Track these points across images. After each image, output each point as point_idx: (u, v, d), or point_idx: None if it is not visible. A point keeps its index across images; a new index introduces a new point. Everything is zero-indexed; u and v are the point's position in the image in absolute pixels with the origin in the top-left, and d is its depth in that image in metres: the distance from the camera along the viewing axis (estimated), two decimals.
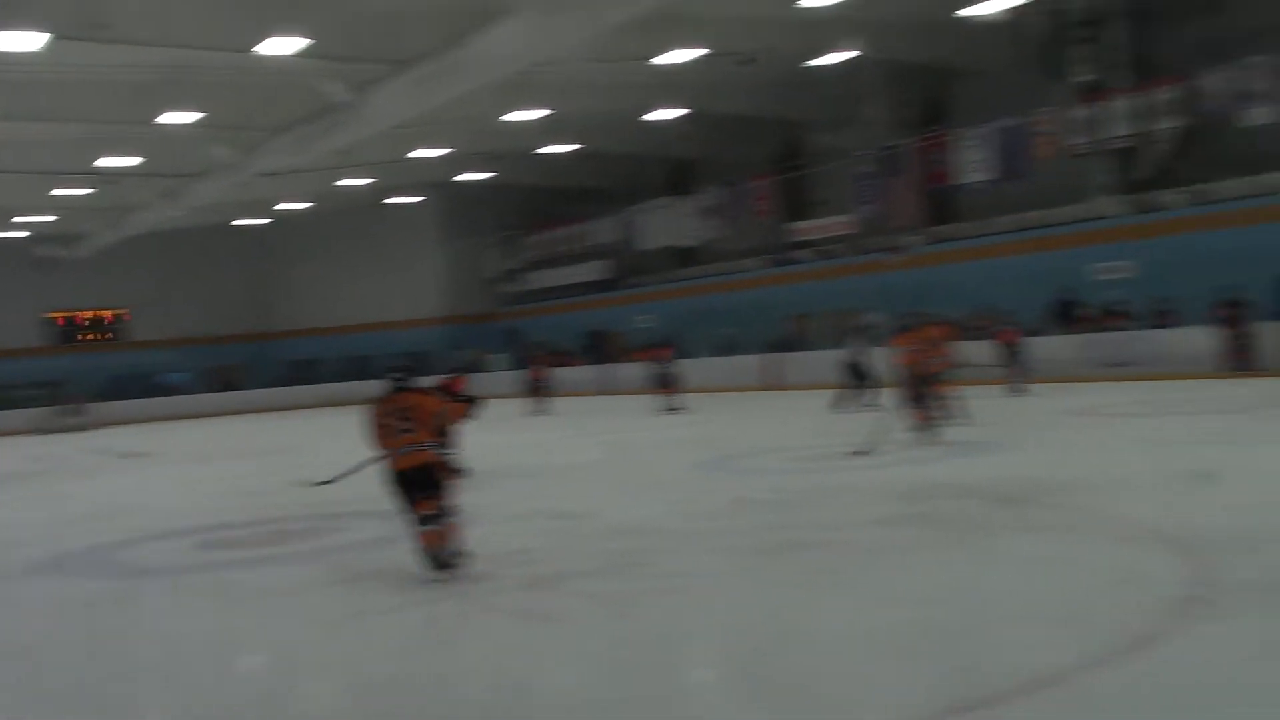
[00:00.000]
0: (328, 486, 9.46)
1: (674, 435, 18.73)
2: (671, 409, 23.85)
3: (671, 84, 29.10)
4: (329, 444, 18.10)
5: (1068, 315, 25.11)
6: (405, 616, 7.23)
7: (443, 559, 7.93)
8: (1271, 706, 4.57)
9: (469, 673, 6.01)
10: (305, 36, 21.29)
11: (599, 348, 39.37)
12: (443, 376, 14.29)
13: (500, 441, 17.09)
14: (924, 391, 14.67)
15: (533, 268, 44.87)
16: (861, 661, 5.66)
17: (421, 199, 43.65)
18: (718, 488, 12.03)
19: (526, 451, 14.75)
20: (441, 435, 8.44)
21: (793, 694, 5.22)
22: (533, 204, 44.33)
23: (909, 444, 14.03)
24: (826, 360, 26.99)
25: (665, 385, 24.59)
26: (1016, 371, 21.99)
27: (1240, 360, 21.38)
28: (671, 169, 40.55)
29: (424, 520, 7.92)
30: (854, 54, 27.44)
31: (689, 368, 26.89)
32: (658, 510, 10.62)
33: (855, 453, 13.43)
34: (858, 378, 21.09)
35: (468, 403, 12.95)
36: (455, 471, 8.63)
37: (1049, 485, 10.17)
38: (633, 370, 35.29)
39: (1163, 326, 23.71)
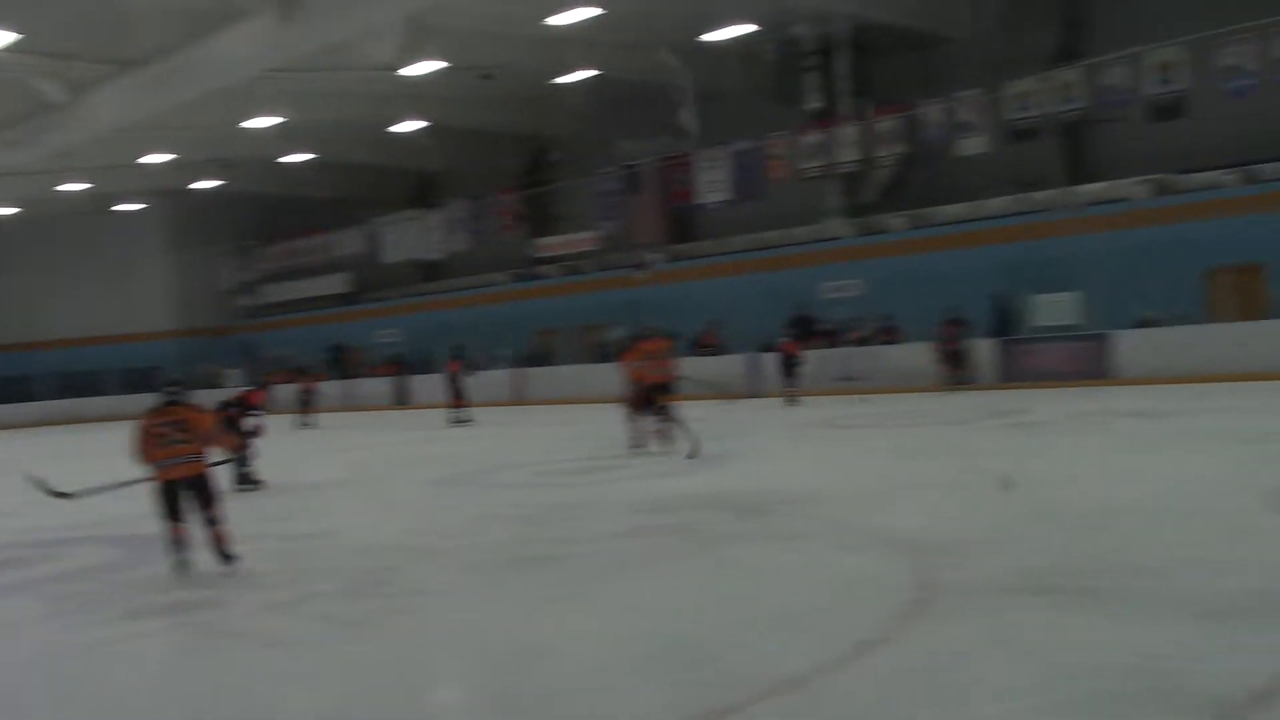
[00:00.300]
0: (62, 501, 8.99)
1: (418, 452, 18.45)
2: (460, 421, 23.96)
3: (415, 96, 28.76)
4: (45, 467, 16.89)
5: (805, 331, 26.11)
6: (132, 648, 6.81)
7: (226, 554, 8.47)
8: (991, 699, 4.82)
9: (201, 703, 5.70)
10: (14, 31, 19.91)
11: (341, 362, 38.44)
12: (240, 390, 14.46)
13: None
14: (650, 404, 15.11)
15: (271, 280, 43.43)
16: (607, 674, 5.67)
17: (148, 206, 41.51)
18: (462, 504, 11.90)
19: (264, 470, 14.16)
20: (213, 447, 8.84)
21: (538, 709, 5.18)
22: (271, 214, 42.86)
23: (652, 457, 14.27)
24: (572, 375, 27.21)
25: (456, 398, 24.68)
26: (790, 383, 22.89)
27: (958, 375, 22.75)
28: (416, 181, 40.05)
29: (208, 522, 8.43)
30: (595, 73, 27.81)
31: (429, 383, 26.60)
32: (400, 528, 10.41)
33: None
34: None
35: (253, 417, 13.45)
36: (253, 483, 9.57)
37: (787, 496, 10.51)
38: (375, 386, 34.69)
39: (890, 343, 24.96)
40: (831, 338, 26.16)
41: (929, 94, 27.42)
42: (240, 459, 13.58)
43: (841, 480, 11.59)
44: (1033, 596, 6.31)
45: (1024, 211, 26.01)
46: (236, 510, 9.54)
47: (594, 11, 23.72)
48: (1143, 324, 21.94)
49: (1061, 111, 25.00)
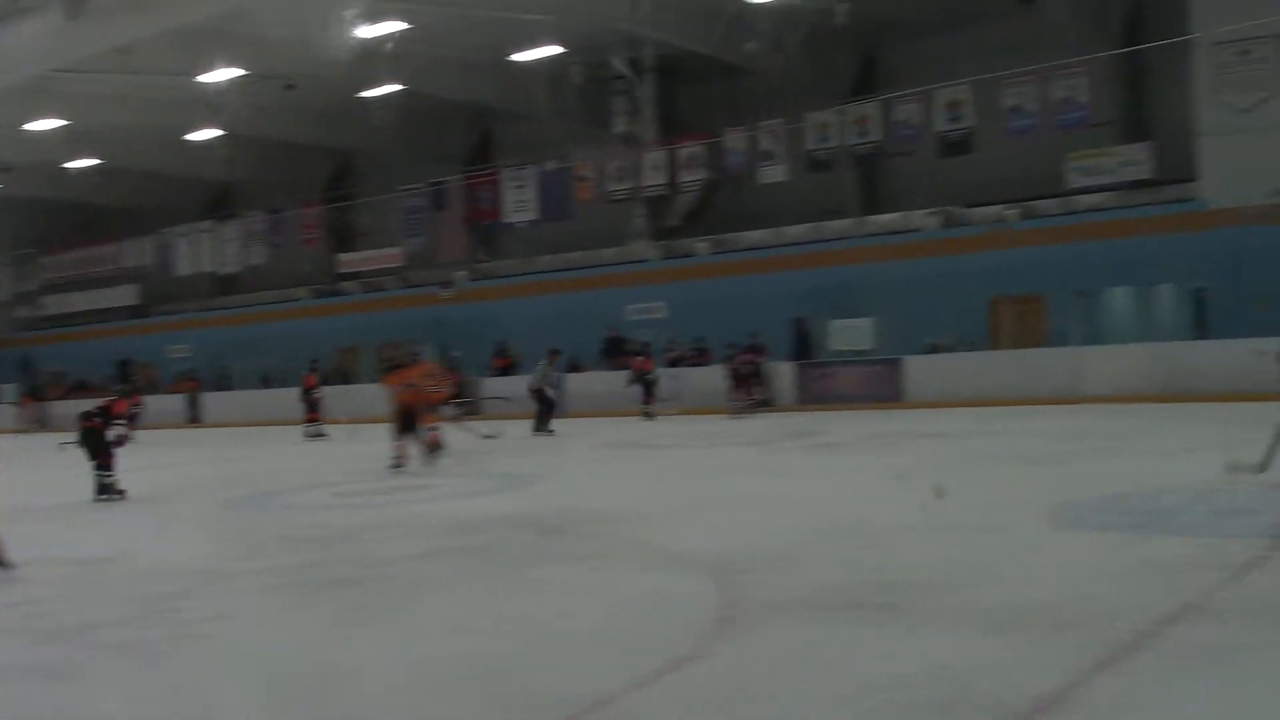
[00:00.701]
0: None
1: (212, 472, 17.75)
2: (315, 435, 23.74)
3: (212, 103, 27.77)
4: None
5: (616, 352, 26.28)
6: None
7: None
8: (798, 712, 4.89)
9: None
10: None
11: (129, 378, 36.71)
12: (103, 399, 14.16)
13: (15, 480, 15.45)
14: (414, 425, 15.50)
15: (53, 290, 41.17)
16: (410, 697, 5.52)
17: None
18: (257, 526, 11.47)
19: (46, 491, 13.40)
20: None
21: None
22: (54, 222, 40.67)
23: (453, 476, 14.10)
24: (374, 394, 26.63)
25: (310, 411, 24.44)
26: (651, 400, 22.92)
27: (752, 397, 23.20)
28: (212, 191, 38.69)
29: None
30: (401, 87, 27.47)
31: (225, 401, 25.68)
32: (193, 551, 9.94)
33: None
34: (544, 404, 21.29)
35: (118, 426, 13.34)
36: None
37: (591, 516, 10.50)
38: (167, 403, 33.26)
39: (696, 365, 25.32)
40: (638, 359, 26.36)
41: (733, 122, 28.06)
42: (103, 470, 13.45)
43: (646, 500, 11.64)
44: (835, 612, 6.44)
45: (822, 239, 26.85)
46: (15, 532, 8.97)
47: (401, 25, 23.44)
48: (932, 350, 22.87)
49: (857, 144, 25.92)
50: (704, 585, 7.42)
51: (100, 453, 13.48)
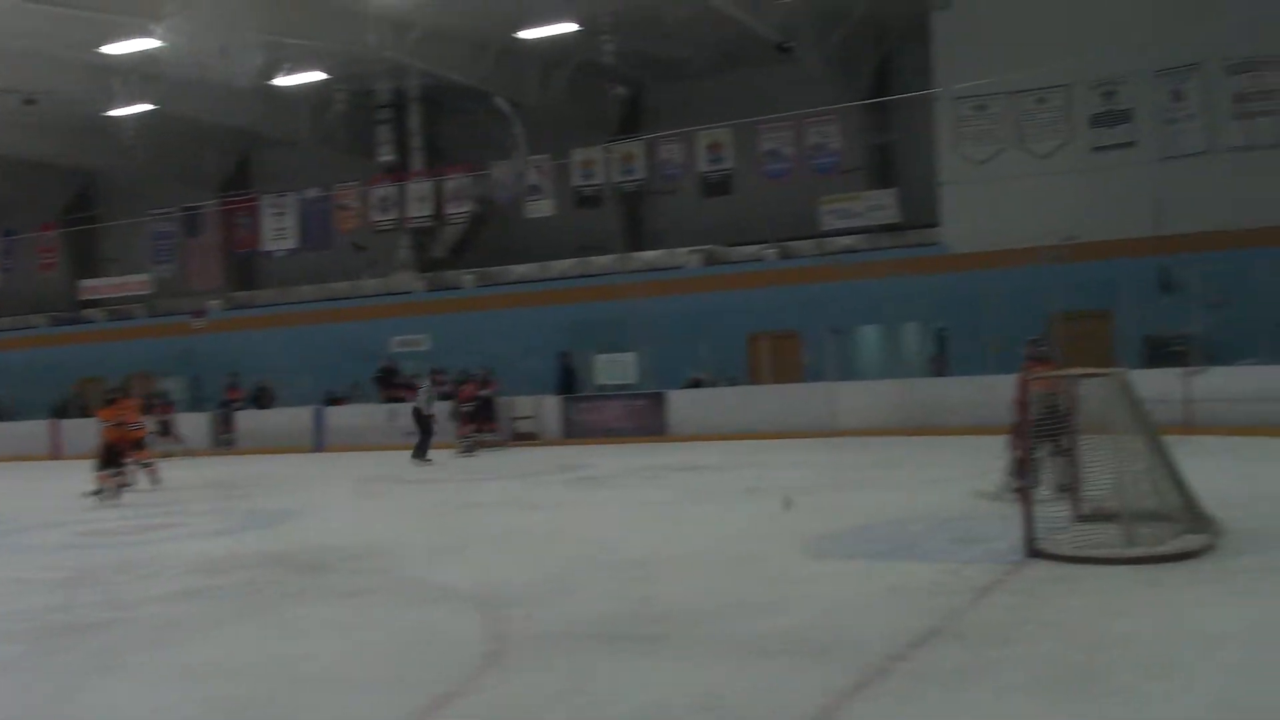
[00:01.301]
0: None
1: None
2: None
3: None
4: None
5: (389, 384, 25.72)
6: None
7: None
8: None
9: None
10: None
11: None
12: None
13: None
14: (115, 460, 15.88)
15: None
16: None
17: None
18: None
19: None
20: None
21: None
22: None
23: (205, 515, 13.53)
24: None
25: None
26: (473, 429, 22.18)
27: (481, 432, 22.73)
28: None
29: None
30: (153, 107, 26.35)
31: None
32: None
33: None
34: (424, 429, 20.40)
35: None
36: None
37: (349, 552, 10.23)
38: None
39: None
40: (413, 390, 25.83)
41: (500, 155, 28.07)
42: None
43: (408, 535, 11.45)
44: (602, 644, 6.48)
45: (587, 274, 27.13)
46: None
47: (152, 44, 22.49)
48: (694, 384, 23.37)
49: (622, 181, 26.35)
50: (469, 620, 7.34)
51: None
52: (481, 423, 22.34)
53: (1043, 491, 9.28)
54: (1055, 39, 21.21)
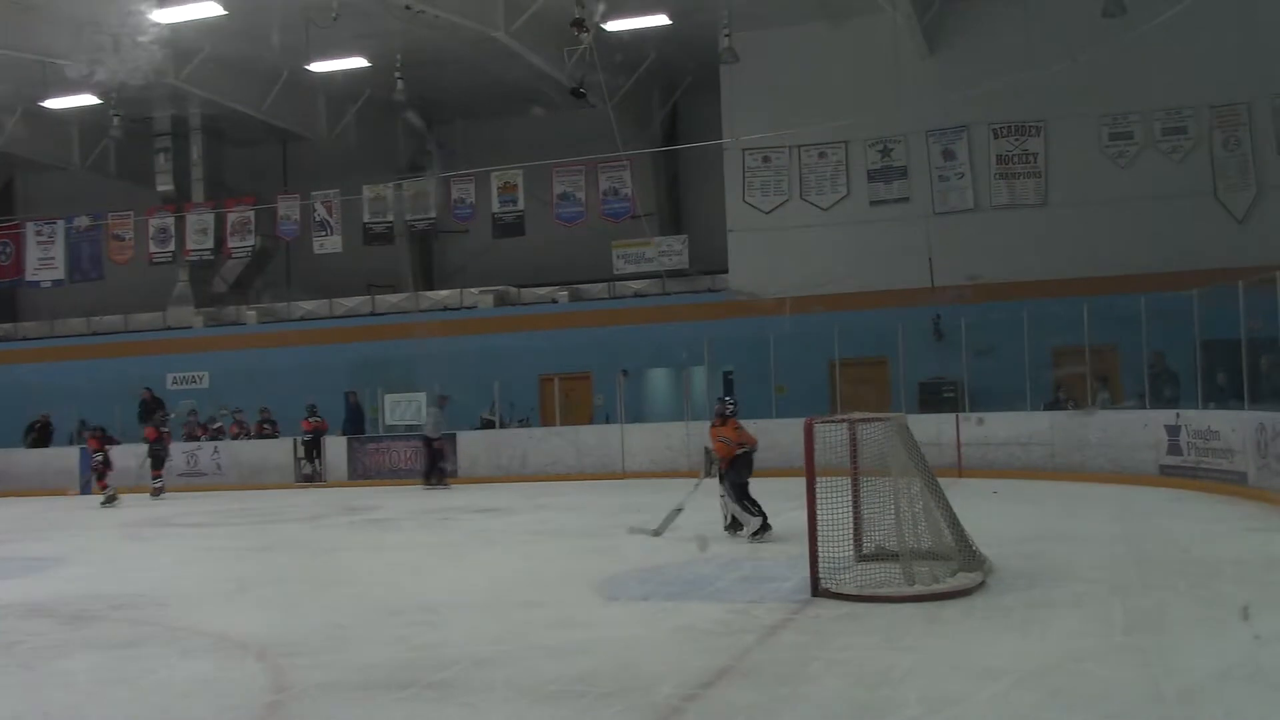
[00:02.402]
0: None
1: None
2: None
3: None
4: None
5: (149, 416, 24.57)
6: None
7: None
8: None
9: None
10: None
11: None
12: None
13: None
14: None
15: None
16: None
17: None
18: None
19: None
20: None
21: None
22: None
23: None
24: None
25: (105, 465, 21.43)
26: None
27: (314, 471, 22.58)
28: None
29: None
30: None
31: None
32: None
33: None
34: (433, 453, 20.93)
35: None
36: None
37: (118, 600, 9.68)
38: None
39: (258, 437, 24.15)
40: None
41: (287, 188, 27.41)
42: None
43: (182, 581, 10.93)
44: (389, 691, 6.29)
45: (377, 313, 26.68)
46: None
47: None
48: (485, 425, 23.17)
49: (414, 219, 26.04)
50: (250, 669, 7.03)
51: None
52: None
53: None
54: (837, 96, 22.13)
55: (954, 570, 8.54)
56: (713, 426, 12.40)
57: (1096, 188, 21.17)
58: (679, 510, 12.52)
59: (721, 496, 12.09)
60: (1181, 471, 15.53)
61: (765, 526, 11.68)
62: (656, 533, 12.33)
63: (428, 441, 21.17)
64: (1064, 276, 20.57)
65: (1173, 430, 15.77)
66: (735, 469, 11.95)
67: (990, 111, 21.60)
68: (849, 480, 9.00)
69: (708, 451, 12.26)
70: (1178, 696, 5.67)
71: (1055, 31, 20.75)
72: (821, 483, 8.64)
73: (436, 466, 21.03)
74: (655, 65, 24.38)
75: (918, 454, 9.10)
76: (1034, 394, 19.10)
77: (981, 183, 22.18)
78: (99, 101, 24.56)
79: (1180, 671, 6.12)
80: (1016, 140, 22.04)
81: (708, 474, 12.30)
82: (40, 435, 25.39)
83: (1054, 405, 19.08)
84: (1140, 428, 16.58)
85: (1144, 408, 17.27)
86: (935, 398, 20.56)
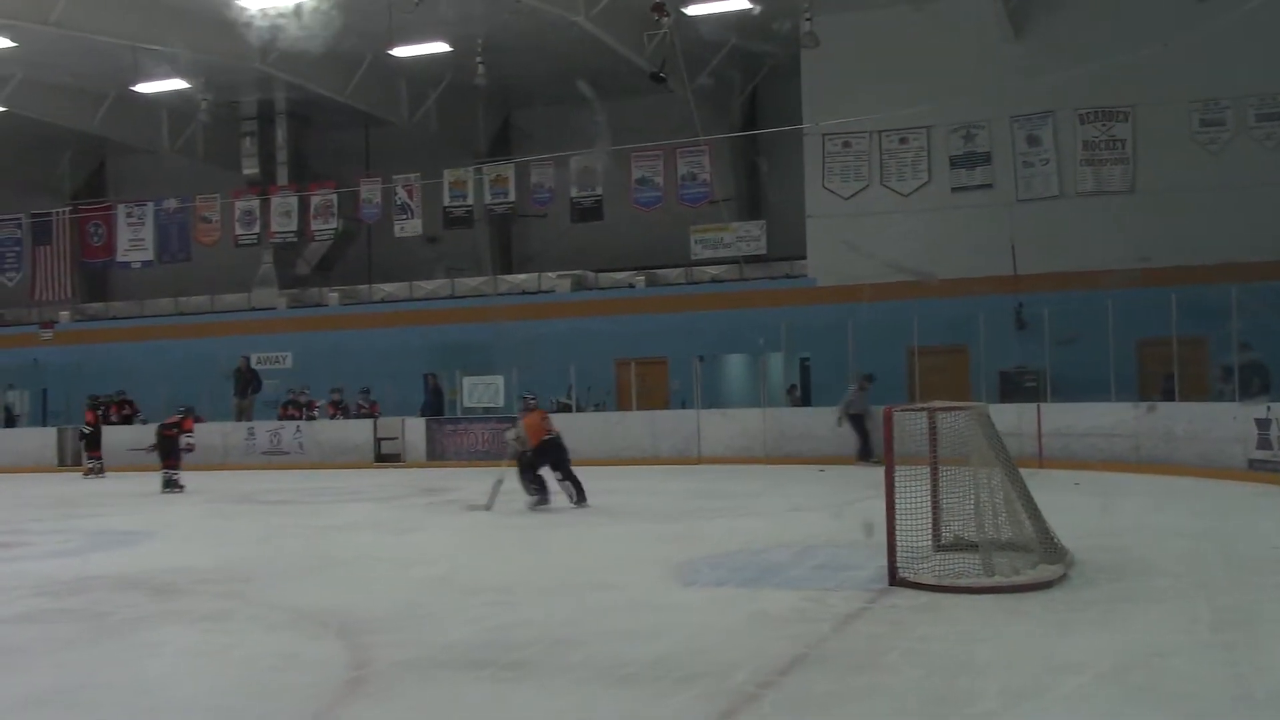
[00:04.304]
0: None
1: None
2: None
3: None
4: None
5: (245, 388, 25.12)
6: None
7: None
8: None
9: None
10: None
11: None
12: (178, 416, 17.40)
13: None
14: None
15: None
16: None
17: None
18: None
19: None
20: None
21: None
22: None
23: (49, 535, 12.98)
24: None
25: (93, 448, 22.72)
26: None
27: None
28: None
29: None
30: (2, 109, 25.35)
31: None
32: None
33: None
34: (861, 431, 19.75)
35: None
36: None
37: (202, 574, 9.91)
38: None
39: (334, 417, 24.54)
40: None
41: (367, 172, 27.74)
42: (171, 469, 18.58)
43: (262, 557, 11.14)
44: (466, 670, 6.37)
45: (456, 296, 26.90)
46: None
47: (4, 43, 21.66)
48: (561, 409, 23.26)
49: (493, 203, 26.21)
50: (331, 645, 7.16)
51: (172, 456, 18.76)
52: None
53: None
54: (919, 82, 21.84)
55: (1034, 562, 8.43)
56: (523, 415, 14.91)
57: (1186, 175, 20.67)
58: (500, 483, 14.41)
59: (531, 472, 14.41)
60: (1271, 466, 15.15)
61: (542, 501, 14.24)
62: (487, 507, 14.24)
63: (853, 419, 19.99)
64: (1151, 266, 20.14)
65: (1263, 424, 15.37)
66: (539, 452, 14.38)
67: (1077, 97, 21.19)
68: (928, 469, 8.91)
69: (512, 437, 14.93)
70: (1268, 698, 5.56)
71: (1144, 15, 20.32)
72: (900, 471, 8.56)
73: (867, 445, 19.76)
74: (735, 49, 24.25)
75: (999, 444, 8.98)
76: (1118, 385, 18.75)
77: (1067, 169, 21.80)
78: (188, 86, 25.04)
79: (1270, 671, 6.00)
80: (1104, 126, 21.61)
81: (512, 456, 14.86)
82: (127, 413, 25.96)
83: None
84: (1229, 421, 16.18)
85: (1233, 400, 16.88)
86: (1016, 387, 20.26)
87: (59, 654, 7.18)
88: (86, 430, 23.06)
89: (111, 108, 26.73)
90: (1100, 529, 10.87)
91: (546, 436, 14.49)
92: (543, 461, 14.46)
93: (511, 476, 14.55)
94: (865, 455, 19.48)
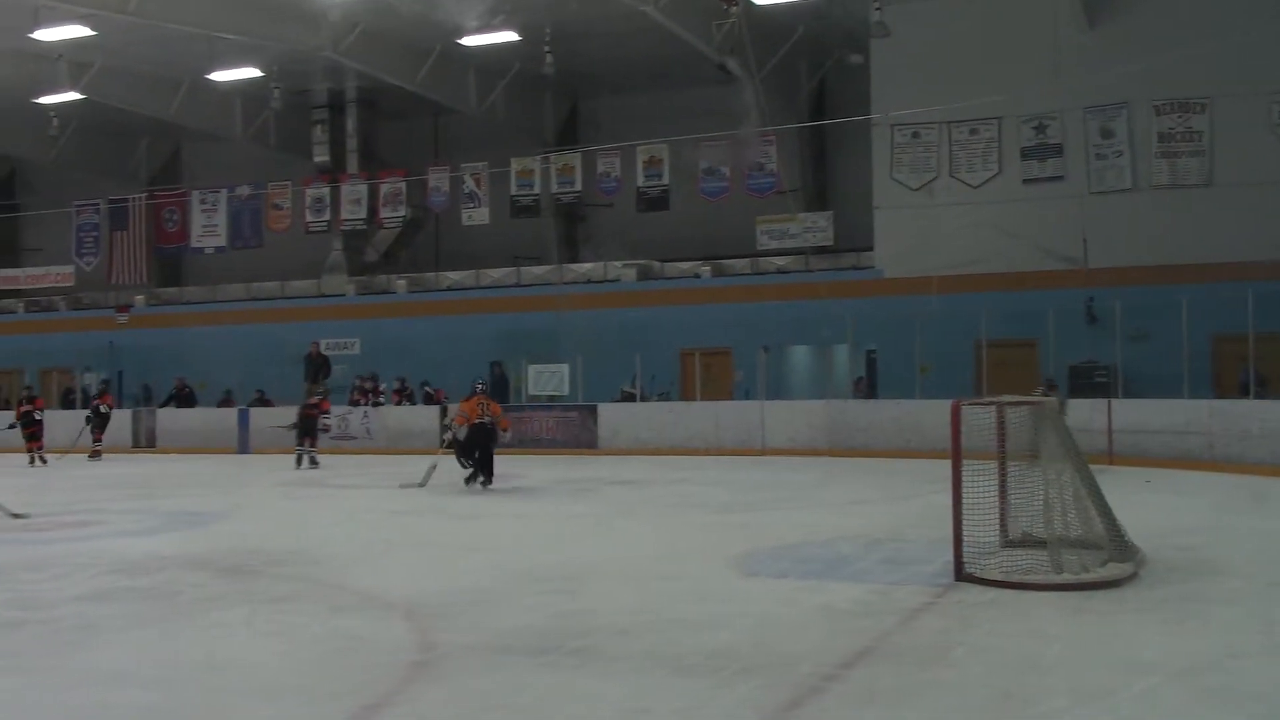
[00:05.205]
0: None
1: None
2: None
3: None
4: None
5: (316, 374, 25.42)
6: None
7: None
8: None
9: None
10: None
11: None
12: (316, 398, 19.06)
13: None
14: None
15: None
16: None
17: None
18: None
19: None
20: None
21: None
22: None
23: (123, 514, 13.25)
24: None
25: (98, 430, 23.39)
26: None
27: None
28: None
29: None
30: (81, 97, 25.83)
31: None
32: None
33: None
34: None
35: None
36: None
37: (273, 556, 10.05)
38: None
39: (399, 403, 24.82)
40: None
41: (437, 161, 27.94)
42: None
43: (333, 541, 11.28)
44: (531, 656, 6.40)
45: (522, 284, 27.03)
46: None
47: (84, 31, 22.05)
48: (625, 398, 23.34)
49: (560, 192, 26.29)
50: (397, 628, 7.24)
51: (310, 434, 20.23)
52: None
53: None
54: (990, 72, 21.56)
55: (1104, 560, 8.31)
56: (464, 401, 16.25)
57: (1265, 168, 20.21)
58: (434, 467, 16.04)
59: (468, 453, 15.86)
60: None
61: (475, 477, 15.74)
62: (421, 485, 15.80)
63: None
64: (1227, 260, 19.73)
65: None
66: (472, 434, 15.74)
67: (1152, 88, 20.80)
68: (996, 465, 8.81)
69: (446, 423, 16.95)
70: None
71: (1222, 2, 19.88)
72: (967, 466, 8.47)
73: None
74: (804, 39, 24.09)
75: (1069, 439, 8.86)
76: (1192, 381, 18.41)
77: (1141, 161, 21.41)
78: (260, 75, 25.38)
79: None
80: (1180, 118, 21.19)
81: (445, 437, 16.73)
82: (182, 398, 26.37)
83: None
84: None
85: None
86: (1087, 382, 19.96)
87: (132, 631, 7.33)
88: (104, 410, 23.62)
89: (186, 95, 27.16)
90: (1171, 528, 10.69)
91: (479, 420, 15.79)
92: (473, 443, 15.80)
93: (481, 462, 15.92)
94: None
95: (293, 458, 20.31)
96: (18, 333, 30.67)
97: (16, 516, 12.71)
